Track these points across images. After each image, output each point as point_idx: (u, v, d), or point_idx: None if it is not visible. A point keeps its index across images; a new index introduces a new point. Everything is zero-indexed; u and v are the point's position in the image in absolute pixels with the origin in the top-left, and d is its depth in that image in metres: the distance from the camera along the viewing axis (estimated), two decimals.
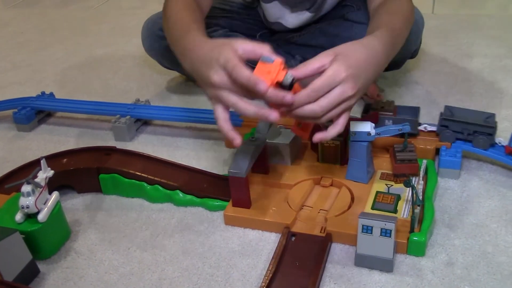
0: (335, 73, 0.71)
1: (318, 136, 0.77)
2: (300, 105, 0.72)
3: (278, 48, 1.26)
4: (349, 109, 0.75)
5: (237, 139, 0.75)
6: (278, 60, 0.70)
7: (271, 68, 0.70)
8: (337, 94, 0.72)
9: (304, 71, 0.73)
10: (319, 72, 0.73)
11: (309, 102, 0.71)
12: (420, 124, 0.98)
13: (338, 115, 0.75)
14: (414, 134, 0.96)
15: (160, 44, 1.25)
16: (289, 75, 0.71)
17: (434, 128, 0.97)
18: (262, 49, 0.72)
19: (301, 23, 1.21)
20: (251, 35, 1.26)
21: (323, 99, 0.72)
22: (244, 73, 0.69)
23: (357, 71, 0.73)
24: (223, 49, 0.73)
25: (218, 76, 0.72)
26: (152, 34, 1.26)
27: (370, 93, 1.15)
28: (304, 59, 1.24)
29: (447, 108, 0.95)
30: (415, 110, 0.97)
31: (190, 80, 1.36)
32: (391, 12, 0.91)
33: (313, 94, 0.71)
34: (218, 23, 1.26)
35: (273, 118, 0.71)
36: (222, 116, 0.75)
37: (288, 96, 0.70)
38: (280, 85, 0.71)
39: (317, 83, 0.71)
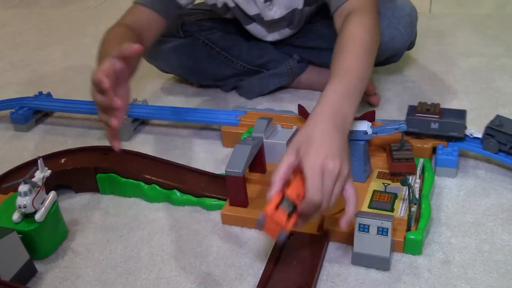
0: (312, 169, 0.68)
1: (345, 221, 0.71)
2: (309, 213, 0.70)
3: (275, 49, 1.26)
4: (347, 180, 0.71)
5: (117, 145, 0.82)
6: (266, 214, 0.68)
7: (270, 222, 0.68)
8: (327, 182, 0.68)
9: (278, 180, 0.70)
10: (291, 170, 0.71)
11: (315, 207, 0.69)
12: (466, 128, 0.95)
13: (342, 191, 0.71)
14: (460, 138, 0.94)
15: (157, 49, 1.24)
16: (285, 204, 0.68)
17: (479, 135, 0.94)
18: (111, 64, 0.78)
19: (285, 37, 1.22)
20: (248, 37, 1.26)
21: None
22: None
23: (327, 149, 0.70)
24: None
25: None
26: None
27: (368, 91, 1.15)
28: (302, 58, 1.24)
29: (498, 117, 0.92)
30: (462, 114, 0.94)
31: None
32: (349, 45, 0.84)
33: (315, 197, 0.68)
34: (213, 26, 1.26)
35: (114, 124, 0.77)
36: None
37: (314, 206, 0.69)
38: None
39: (309, 191, 0.67)
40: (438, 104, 0.96)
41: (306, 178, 0.68)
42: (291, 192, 0.69)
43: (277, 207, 0.68)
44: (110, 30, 0.99)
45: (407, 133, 0.95)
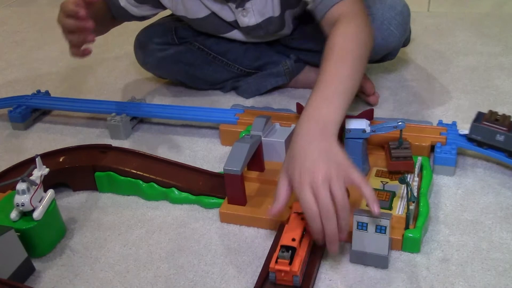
0: (299, 187, 0.70)
1: (372, 203, 0.70)
2: (321, 229, 0.71)
3: (272, 51, 1.26)
4: (341, 176, 0.70)
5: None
6: (271, 269, 0.71)
7: (278, 274, 0.71)
8: (318, 193, 0.69)
9: (279, 205, 0.73)
10: (290, 188, 0.73)
11: (319, 221, 0.70)
12: None
13: (349, 181, 0.71)
14: None
15: (154, 57, 1.25)
16: (281, 255, 0.71)
17: None
18: None
19: (280, 37, 1.22)
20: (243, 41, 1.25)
21: (322, 216, 0.70)
22: None
23: (307, 162, 0.71)
24: None
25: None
26: (144, 48, 1.26)
27: (367, 91, 1.15)
28: (298, 58, 1.24)
29: None
30: None
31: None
32: (329, 55, 0.85)
33: (313, 217, 0.69)
34: None
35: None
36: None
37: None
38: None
39: (303, 208, 0.70)
40: (509, 117, 0.91)
41: (297, 196, 0.71)
42: (285, 239, 0.73)
43: (276, 260, 0.72)
44: None
45: (471, 139, 0.93)
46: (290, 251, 0.71)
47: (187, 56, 1.24)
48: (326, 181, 0.69)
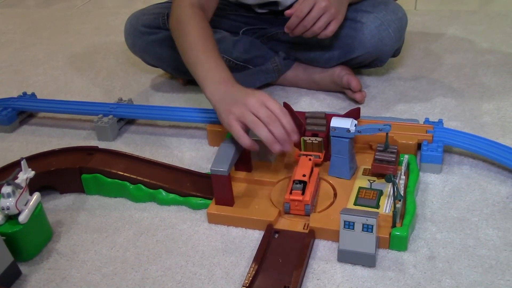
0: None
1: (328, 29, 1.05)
2: (294, 25, 1.05)
3: (262, 45, 1.26)
4: (332, 18, 1.03)
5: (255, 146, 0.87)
6: (287, 200, 0.84)
7: (292, 204, 0.84)
8: (315, 9, 1.01)
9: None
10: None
11: (300, 20, 1.03)
12: None
13: (328, 25, 1.04)
14: None
15: (143, 40, 1.24)
16: (295, 187, 0.83)
17: None
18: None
19: None
20: (234, 32, 1.26)
21: (307, 17, 1.03)
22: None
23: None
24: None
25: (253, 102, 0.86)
26: (135, 30, 1.25)
27: (353, 87, 1.16)
28: (288, 55, 1.24)
29: None
30: None
31: (174, 78, 1.36)
32: None
33: (299, 12, 1.02)
34: None
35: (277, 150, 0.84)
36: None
37: None
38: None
39: (298, 8, 1.02)
40: None
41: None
42: (297, 175, 0.85)
43: (290, 192, 0.84)
44: (189, 29, 1.03)
45: None
46: (302, 184, 0.83)
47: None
48: (323, 10, 1.02)
